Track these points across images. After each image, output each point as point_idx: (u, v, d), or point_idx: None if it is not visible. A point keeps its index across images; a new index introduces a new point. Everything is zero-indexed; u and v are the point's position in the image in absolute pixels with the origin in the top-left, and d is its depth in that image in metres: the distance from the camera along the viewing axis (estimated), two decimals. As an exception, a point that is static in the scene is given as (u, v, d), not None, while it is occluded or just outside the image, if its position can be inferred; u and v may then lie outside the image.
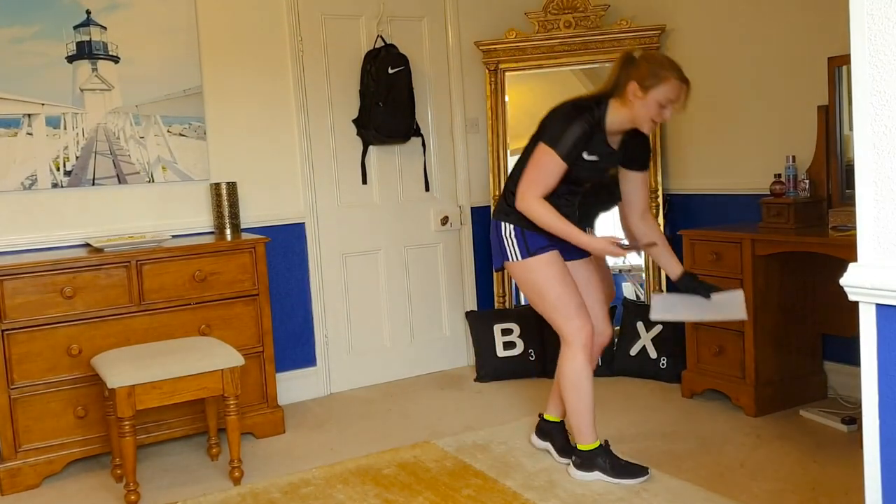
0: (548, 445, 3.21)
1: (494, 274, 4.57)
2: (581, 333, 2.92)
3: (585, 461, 2.97)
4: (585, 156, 2.85)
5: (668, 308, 3.04)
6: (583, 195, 3.03)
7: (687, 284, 3.03)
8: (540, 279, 2.95)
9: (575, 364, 2.93)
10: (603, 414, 3.65)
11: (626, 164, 3.04)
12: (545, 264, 2.94)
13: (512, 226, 2.97)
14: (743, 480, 2.90)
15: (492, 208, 4.52)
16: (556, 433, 3.20)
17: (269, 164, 4.08)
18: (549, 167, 2.83)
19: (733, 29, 4.02)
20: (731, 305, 2.96)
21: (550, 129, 2.86)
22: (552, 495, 2.83)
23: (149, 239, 3.50)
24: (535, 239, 2.95)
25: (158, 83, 3.79)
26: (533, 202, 2.85)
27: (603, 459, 2.95)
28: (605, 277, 3.33)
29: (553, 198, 2.90)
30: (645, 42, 4.28)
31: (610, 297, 3.34)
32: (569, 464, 3.03)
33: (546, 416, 3.25)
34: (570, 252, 3.00)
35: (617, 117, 2.85)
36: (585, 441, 2.97)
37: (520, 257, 2.96)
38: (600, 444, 2.97)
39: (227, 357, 3.05)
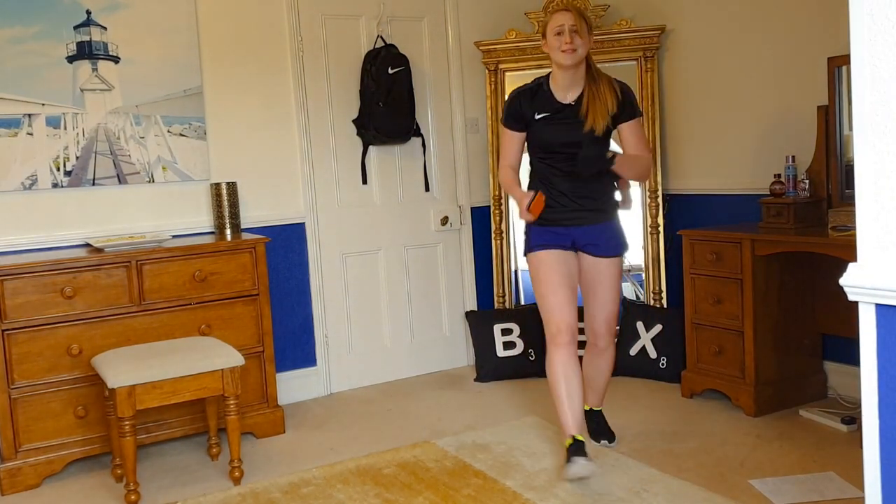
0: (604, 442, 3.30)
1: (494, 274, 4.57)
2: (549, 329, 3.05)
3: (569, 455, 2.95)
4: (536, 116, 3.06)
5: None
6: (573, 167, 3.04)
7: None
8: (533, 274, 3.14)
9: (547, 360, 3.07)
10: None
11: (614, 120, 3.08)
12: (538, 262, 3.10)
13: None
14: (743, 480, 2.90)
15: (492, 208, 4.54)
16: (593, 420, 3.34)
17: (269, 164, 4.08)
18: (503, 139, 3.20)
19: (733, 29, 4.02)
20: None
21: None
22: (552, 495, 2.83)
23: (149, 239, 3.50)
24: (536, 236, 3.11)
25: (158, 83, 3.79)
26: (499, 171, 3.22)
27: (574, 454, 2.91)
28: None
29: (538, 164, 3.15)
30: (645, 42, 4.28)
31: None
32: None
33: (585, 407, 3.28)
34: (597, 249, 3.11)
35: (554, 72, 3.08)
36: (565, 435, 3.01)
37: (524, 251, 3.18)
38: (571, 443, 2.94)
39: (227, 357, 3.05)
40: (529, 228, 3.12)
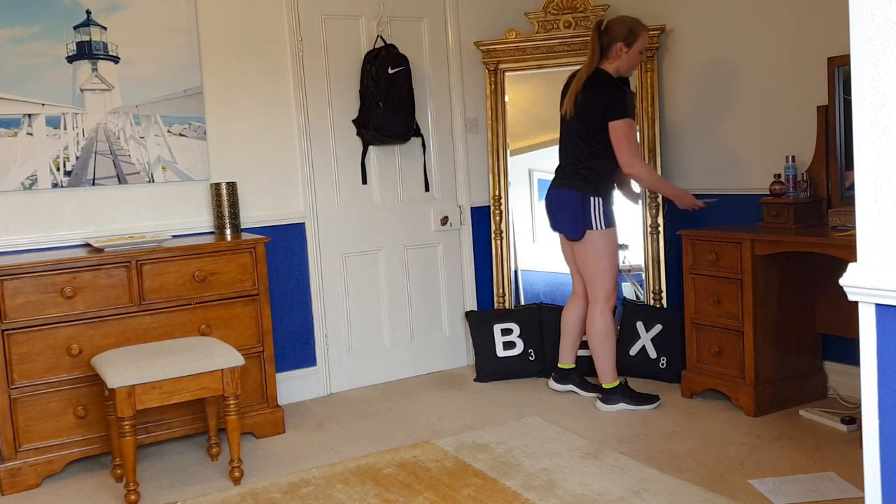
0: (570, 386, 3.96)
1: (494, 274, 4.57)
2: (613, 298, 3.79)
3: (610, 397, 3.71)
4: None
5: None
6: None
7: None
8: (608, 247, 3.71)
9: (605, 318, 3.74)
10: (603, 413, 3.67)
11: None
12: (614, 238, 3.74)
13: (600, 199, 3.66)
14: (743, 480, 2.90)
15: (491, 208, 4.54)
16: (573, 375, 3.97)
17: (269, 164, 4.08)
18: (630, 131, 3.58)
19: (733, 29, 4.02)
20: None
21: (613, 107, 3.55)
22: (552, 495, 2.84)
23: (149, 239, 3.50)
24: (613, 213, 3.73)
25: (158, 83, 3.79)
26: (642, 168, 3.66)
27: (623, 393, 3.69)
28: None
29: (609, 160, 3.67)
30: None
31: None
32: (596, 398, 3.79)
33: (562, 366, 4.01)
34: None
35: (614, 74, 3.67)
36: (608, 380, 3.74)
37: (603, 226, 3.67)
38: (620, 383, 3.74)
39: (227, 357, 3.05)
40: (606, 203, 3.67)
